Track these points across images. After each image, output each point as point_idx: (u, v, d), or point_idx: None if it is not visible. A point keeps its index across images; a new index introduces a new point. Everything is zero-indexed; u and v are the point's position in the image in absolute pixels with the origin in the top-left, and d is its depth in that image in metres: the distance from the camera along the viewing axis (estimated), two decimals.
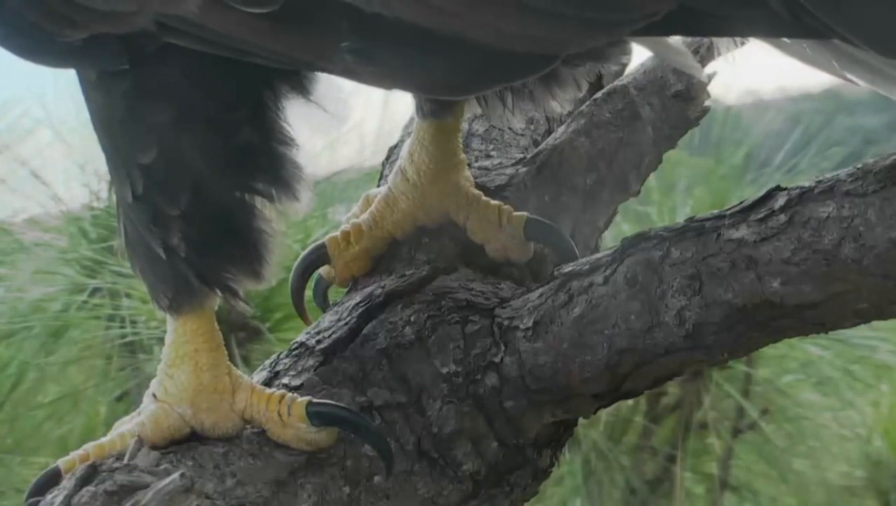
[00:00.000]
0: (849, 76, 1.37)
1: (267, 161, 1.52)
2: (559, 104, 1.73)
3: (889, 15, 1.26)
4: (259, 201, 1.54)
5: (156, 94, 1.47)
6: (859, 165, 1.41)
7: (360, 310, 1.65)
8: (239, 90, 1.49)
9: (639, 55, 1.79)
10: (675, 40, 1.51)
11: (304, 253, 1.79)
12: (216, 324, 1.59)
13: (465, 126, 1.86)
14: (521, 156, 1.85)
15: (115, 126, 1.51)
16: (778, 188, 1.45)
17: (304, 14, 1.36)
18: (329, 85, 1.52)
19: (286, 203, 1.54)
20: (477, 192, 1.76)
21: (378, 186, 1.85)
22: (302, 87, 1.51)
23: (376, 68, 1.37)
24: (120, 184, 1.53)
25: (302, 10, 1.35)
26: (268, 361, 1.66)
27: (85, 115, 1.55)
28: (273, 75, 1.49)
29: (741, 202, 1.47)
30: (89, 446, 1.55)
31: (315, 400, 1.55)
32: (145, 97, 1.47)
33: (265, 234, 1.55)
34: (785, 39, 1.37)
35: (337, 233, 1.77)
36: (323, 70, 1.46)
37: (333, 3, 1.33)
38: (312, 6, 1.35)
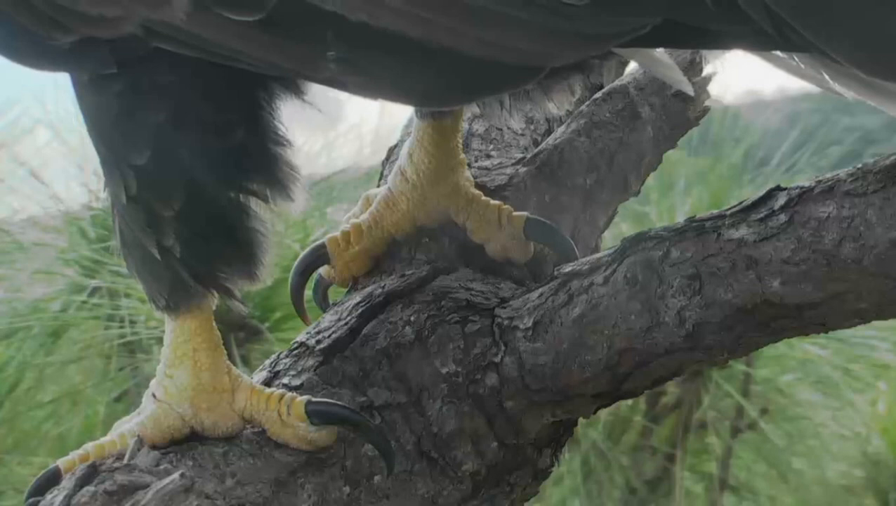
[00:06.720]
0: (838, 89, 1.37)
1: (261, 161, 1.52)
2: (556, 105, 1.73)
3: (870, 35, 1.26)
4: (253, 202, 1.53)
5: (149, 94, 1.46)
6: (859, 165, 1.40)
7: (360, 310, 1.65)
8: (232, 91, 1.48)
9: None
10: (663, 54, 1.51)
11: (303, 253, 1.79)
12: (214, 324, 1.59)
13: (465, 126, 1.85)
14: (521, 156, 1.84)
15: (107, 127, 1.50)
16: (778, 188, 1.45)
17: (291, 23, 1.35)
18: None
19: (281, 203, 1.54)
20: (477, 192, 1.76)
21: (378, 186, 1.84)
22: (296, 88, 1.51)
23: (362, 78, 1.37)
24: (114, 185, 1.53)
25: (288, 18, 1.35)
26: (268, 361, 1.66)
27: None
28: (266, 76, 1.48)
29: (741, 202, 1.47)
30: (89, 446, 1.55)
31: (314, 399, 1.55)
32: (138, 98, 1.46)
33: (259, 234, 1.54)
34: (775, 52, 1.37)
35: (337, 233, 1.77)
36: (309, 79, 1.46)
37: (320, 13, 1.33)
38: (298, 15, 1.34)
